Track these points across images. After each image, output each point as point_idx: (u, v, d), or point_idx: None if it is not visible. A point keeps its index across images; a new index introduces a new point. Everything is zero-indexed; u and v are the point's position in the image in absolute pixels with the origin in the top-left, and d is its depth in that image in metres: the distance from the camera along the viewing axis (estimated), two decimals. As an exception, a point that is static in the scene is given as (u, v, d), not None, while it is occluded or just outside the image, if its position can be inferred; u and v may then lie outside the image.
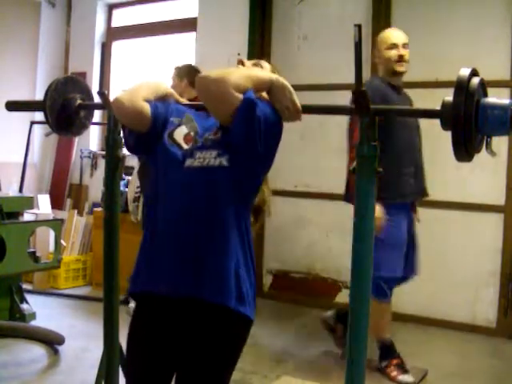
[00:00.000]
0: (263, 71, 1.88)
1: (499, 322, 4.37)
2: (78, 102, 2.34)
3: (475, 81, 1.50)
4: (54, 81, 2.33)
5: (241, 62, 1.96)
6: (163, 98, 1.92)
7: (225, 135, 1.76)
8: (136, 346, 1.84)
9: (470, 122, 1.49)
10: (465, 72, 1.51)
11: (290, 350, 3.87)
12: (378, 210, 2.99)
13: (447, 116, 1.52)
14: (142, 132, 1.84)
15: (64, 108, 2.31)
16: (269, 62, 2.05)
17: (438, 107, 1.62)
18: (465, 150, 1.54)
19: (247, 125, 1.70)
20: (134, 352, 1.85)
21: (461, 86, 1.50)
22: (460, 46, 4.37)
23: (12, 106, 2.47)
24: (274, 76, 1.81)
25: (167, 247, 1.75)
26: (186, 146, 1.81)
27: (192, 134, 1.84)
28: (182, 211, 1.74)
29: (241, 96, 1.69)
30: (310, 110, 1.88)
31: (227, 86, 1.68)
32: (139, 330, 1.85)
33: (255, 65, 1.99)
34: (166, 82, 2.01)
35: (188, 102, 2.01)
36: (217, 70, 1.74)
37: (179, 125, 1.87)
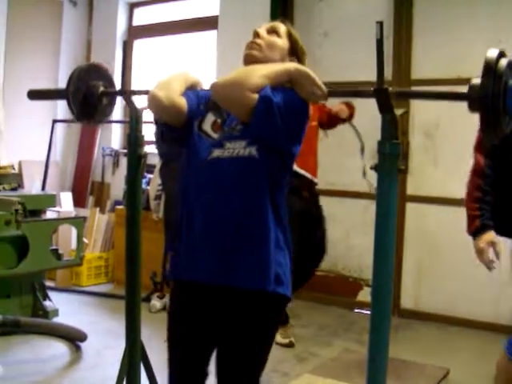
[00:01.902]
0: (278, 65, 1.82)
1: (523, 322, 4.33)
2: (101, 89, 2.29)
3: (503, 62, 1.47)
4: (77, 68, 2.30)
5: (256, 34, 1.94)
6: (192, 87, 1.94)
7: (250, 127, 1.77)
8: (178, 327, 1.91)
9: (498, 103, 1.46)
10: (493, 53, 1.47)
11: (311, 348, 3.88)
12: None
13: (475, 98, 1.48)
14: (178, 125, 1.87)
15: (87, 95, 2.27)
16: (285, 24, 2.00)
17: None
18: (493, 131, 1.50)
19: (267, 122, 1.71)
20: (175, 333, 1.92)
21: (489, 67, 1.45)
22: (481, 43, 4.32)
23: (34, 94, 2.45)
24: (292, 66, 1.80)
25: (204, 237, 1.79)
26: (214, 135, 1.84)
27: (219, 121, 1.86)
28: (217, 201, 1.78)
29: (255, 96, 1.70)
30: (333, 93, 1.85)
31: (240, 90, 1.70)
32: (180, 314, 1.91)
33: (271, 32, 1.95)
34: (190, 70, 2.02)
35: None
36: (233, 73, 1.75)
37: (207, 112, 1.89)
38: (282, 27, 1.98)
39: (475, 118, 4.05)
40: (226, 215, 1.77)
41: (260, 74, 1.74)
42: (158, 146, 4.19)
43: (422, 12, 4.66)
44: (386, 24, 4.53)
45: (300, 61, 1.96)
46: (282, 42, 1.95)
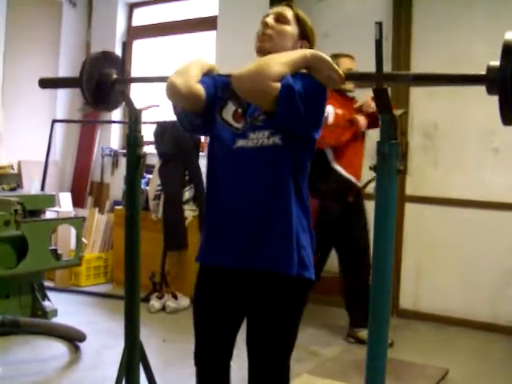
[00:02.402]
0: (295, 52, 1.83)
1: (521, 322, 4.33)
2: (114, 76, 2.29)
3: None
4: (89, 56, 2.31)
5: (266, 24, 1.94)
6: (208, 73, 1.95)
7: (272, 116, 1.79)
8: (204, 308, 1.99)
9: None
10: (511, 35, 1.48)
11: (310, 348, 3.88)
12: None
13: (494, 80, 1.49)
14: (197, 112, 1.89)
15: (100, 83, 2.27)
16: (291, 8, 2.00)
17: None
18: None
19: (291, 110, 1.73)
20: (202, 314, 2.01)
21: (508, 50, 1.46)
22: (481, 43, 4.32)
23: (46, 82, 2.44)
24: (308, 52, 1.81)
25: (231, 224, 1.87)
26: (236, 125, 1.88)
27: (240, 110, 1.90)
28: (242, 189, 1.85)
29: (278, 85, 1.71)
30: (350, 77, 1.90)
31: (263, 81, 1.71)
32: (206, 296, 1.98)
33: (278, 19, 1.95)
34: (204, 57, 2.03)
35: (227, 73, 1.99)
36: (251, 64, 1.75)
37: (227, 101, 1.92)
38: (289, 12, 1.97)
39: (474, 118, 4.07)
40: (251, 202, 1.83)
41: (279, 62, 1.75)
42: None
43: (421, 12, 4.67)
44: (385, 24, 4.54)
45: (310, 43, 1.99)
46: (292, 29, 1.95)
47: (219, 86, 1.93)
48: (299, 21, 1.97)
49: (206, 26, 5.80)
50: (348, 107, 3.95)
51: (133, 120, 2.38)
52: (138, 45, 6.41)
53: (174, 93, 1.85)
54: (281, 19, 1.95)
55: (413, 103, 4.67)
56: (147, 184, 5.25)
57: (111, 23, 6.38)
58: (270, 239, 1.82)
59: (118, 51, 6.68)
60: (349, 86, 3.93)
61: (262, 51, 1.92)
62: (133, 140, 2.38)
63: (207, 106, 1.89)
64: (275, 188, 1.83)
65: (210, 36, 5.73)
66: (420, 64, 4.59)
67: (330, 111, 3.78)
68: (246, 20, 5.29)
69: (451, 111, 4.50)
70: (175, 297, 4.79)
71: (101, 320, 4.44)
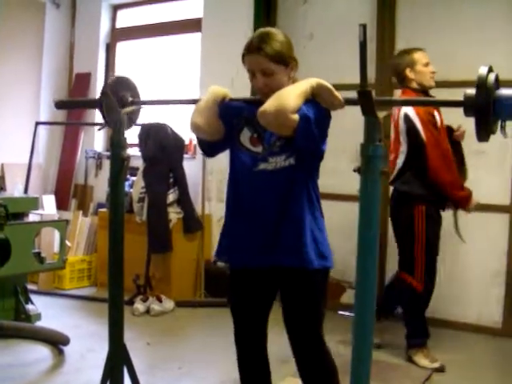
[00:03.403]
0: (303, 84, 2.10)
1: (505, 323, 4.35)
2: (130, 99, 2.51)
3: (492, 77, 1.75)
4: (108, 81, 2.54)
5: (258, 83, 2.19)
6: (223, 100, 2.26)
7: (289, 141, 2.13)
8: (240, 300, 2.39)
9: (489, 110, 1.73)
10: (483, 70, 1.75)
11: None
12: None
13: (470, 105, 1.76)
14: (218, 141, 2.28)
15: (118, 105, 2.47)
16: (264, 52, 2.16)
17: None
18: (485, 131, 1.77)
19: (308, 137, 2.07)
20: (238, 305, 2.39)
21: (481, 82, 1.74)
22: (466, 43, 4.35)
23: (63, 104, 2.73)
24: (314, 82, 2.09)
25: (253, 230, 2.22)
26: (254, 149, 2.24)
27: (255, 135, 2.24)
28: (261, 201, 2.21)
29: (296, 116, 2.03)
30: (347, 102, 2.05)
31: (286, 116, 2.01)
32: (242, 290, 2.38)
33: (265, 74, 2.17)
34: (214, 86, 2.32)
35: (241, 98, 2.35)
36: (272, 101, 2.04)
37: (242, 127, 2.27)
38: (268, 63, 2.16)
39: (458, 119, 4.04)
40: (269, 211, 2.20)
41: (294, 96, 2.04)
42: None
43: (404, 13, 4.67)
44: (370, 25, 4.52)
45: (292, 58, 2.23)
46: (280, 70, 2.18)
47: (234, 115, 2.28)
48: (279, 57, 2.16)
49: (190, 28, 5.78)
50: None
51: (117, 123, 2.38)
52: (122, 46, 6.39)
53: (198, 132, 2.27)
54: (267, 72, 2.17)
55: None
56: (131, 186, 5.22)
57: (95, 24, 6.35)
58: (289, 241, 2.18)
59: (102, 53, 6.69)
60: (431, 83, 3.74)
61: (268, 97, 2.13)
62: (116, 142, 2.38)
63: (226, 134, 2.27)
64: (289, 198, 2.19)
65: (194, 38, 5.72)
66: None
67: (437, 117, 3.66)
68: (231, 22, 5.32)
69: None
70: (160, 300, 4.77)
71: (85, 323, 4.41)
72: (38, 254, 3.93)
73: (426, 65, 3.71)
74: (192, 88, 5.64)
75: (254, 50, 2.17)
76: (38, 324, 4.05)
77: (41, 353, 3.71)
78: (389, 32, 4.71)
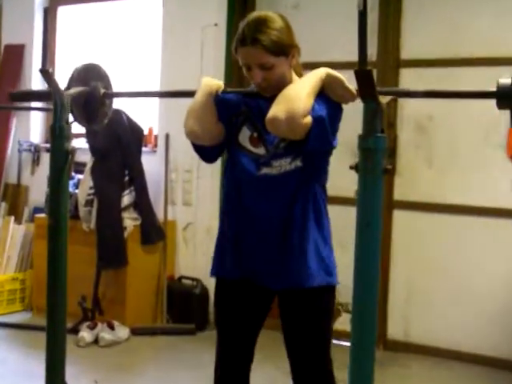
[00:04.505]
0: (311, 78, 2.21)
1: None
2: (102, 91, 2.57)
3: None
4: (75, 70, 2.55)
5: (257, 79, 2.25)
6: (216, 93, 2.35)
7: (296, 142, 2.21)
8: (228, 317, 2.50)
9: None
10: None
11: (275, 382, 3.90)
12: None
13: (504, 96, 1.74)
14: (219, 144, 2.39)
15: (88, 98, 2.55)
16: (260, 44, 2.20)
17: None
18: None
19: (322, 139, 2.19)
20: (226, 322, 2.51)
21: None
22: (485, 15, 4.40)
23: (19, 96, 2.74)
24: (323, 73, 2.21)
25: (254, 240, 2.36)
26: (255, 150, 2.34)
27: (255, 134, 2.34)
28: (263, 212, 2.33)
29: (309, 119, 2.13)
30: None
31: (299, 122, 2.12)
32: (230, 306, 2.49)
33: (263, 67, 2.22)
34: (206, 78, 2.44)
35: (236, 90, 2.47)
36: (280, 104, 2.14)
37: (241, 126, 2.37)
38: (265, 56, 2.20)
39: (476, 108, 4.13)
40: (270, 224, 2.32)
41: (304, 95, 2.15)
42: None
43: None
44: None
45: (292, 43, 2.28)
46: (279, 62, 2.23)
47: (233, 112, 2.38)
48: (278, 48, 2.21)
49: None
50: None
51: (58, 106, 2.36)
52: (64, 11, 6.31)
53: (197, 140, 2.37)
54: (266, 66, 2.23)
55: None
56: (77, 186, 5.20)
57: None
58: (289, 252, 2.31)
59: (39, 19, 6.59)
60: None
61: (266, 91, 2.28)
62: (58, 131, 2.37)
63: (226, 135, 2.38)
64: (295, 206, 2.31)
65: (154, 2, 5.68)
66: (411, 41, 4.64)
67: None
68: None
69: (448, 99, 4.55)
70: (111, 327, 4.75)
71: (15, 358, 4.39)
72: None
73: None
74: (152, 64, 5.61)
75: (248, 41, 2.20)
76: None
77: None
78: (394, 1, 4.72)
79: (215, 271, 2.49)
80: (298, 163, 2.28)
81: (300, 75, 2.35)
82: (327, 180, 2.43)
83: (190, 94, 2.46)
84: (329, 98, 2.22)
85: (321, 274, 2.34)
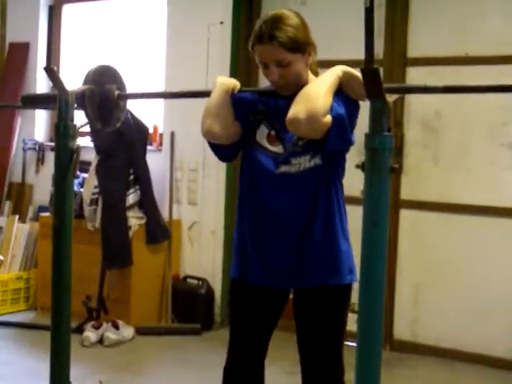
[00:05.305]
0: (329, 76, 2.25)
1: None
2: (117, 92, 2.58)
3: None
4: (89, 71, 2.58)
5: (274, 77, 2.29)
6: (233, 92, 2.39)
7: (315, 140, 2.24)
8: (243, 318, 2.52)
9: None
10: None
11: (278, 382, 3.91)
12: None
13: None
14: (236, 142, 2.43)
15: (103, 100, 2.56)
16: (277, 41, 2.23)
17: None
18: None
19: (341, 138, 2.24)
20: (240, 322, 2.53)
21: None
22: (495, 13, 4.39)
23: (28, 100, 2.79)
24: (339, 71, 2.25)
25: (275, 241, 2.38)
26: (272, 148, 2.38)
27: (273, 132, 2.38)
28: (283, 210, 2.37)
29: (329, 118, 2.17)
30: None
31: (319, 121, 2.15)
32: (247, 308, 2.52)
33: (280, 65, 2.26)
34: (221, 77, 2.48)
35: (253, 89, 2.50)
36: (299, 104, 2.17)
37: (259, 124, 2.41)
38: (282, 53, 2.25)
39: (484, 105, 4.12)
40: (290, 224, 2.36)
41: (323, 94, 2.18)
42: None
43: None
44: (377, -10, 4.56)
45: (309, 40, 2.33)
46: (296, 59, 2.28)
47: (250, 110, 2.42)
48: (295, 45, 2.26)
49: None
50: None
51: (63, 105, 2.37)
52: (70, 9, 6.33)
53: (215, 139, 2.40)
54: (283, 63, 2.26)
55: (410, 87, 4.71)
56: (81, 185, 5.21)
57: (34, -18, 6.30)
58: (314, 250, 2.35)
59: (44, 17, 6.60)
60: None
61: (283, 89, 2.33)
62: (63, 130, 2.37)
63: (243, 134, 2.42)
64: (317, 204, 2.34)
65: (158, 0, 5.69)
66: (418, 39, 4.63)
67: None
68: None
69: (456, 97, 4.54)
70: (116, 326, 4.76)
71: (19, 358, 4.40)
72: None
73: None
74: (157, 64, 5.61)
75: (265, 39, 2.24)
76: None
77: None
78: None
79: (238, 274, 2.51)
80: (318, 161, 2.32)
81: (316, 74, 2.41)
82: (344, 176, 2.45)
83: (204, 94, 2.48)
84: (346, 96, 2.26)
85: (345, 271, 2.39)
